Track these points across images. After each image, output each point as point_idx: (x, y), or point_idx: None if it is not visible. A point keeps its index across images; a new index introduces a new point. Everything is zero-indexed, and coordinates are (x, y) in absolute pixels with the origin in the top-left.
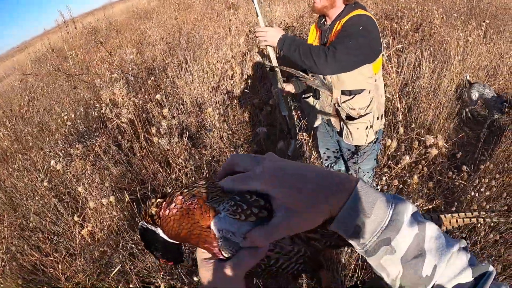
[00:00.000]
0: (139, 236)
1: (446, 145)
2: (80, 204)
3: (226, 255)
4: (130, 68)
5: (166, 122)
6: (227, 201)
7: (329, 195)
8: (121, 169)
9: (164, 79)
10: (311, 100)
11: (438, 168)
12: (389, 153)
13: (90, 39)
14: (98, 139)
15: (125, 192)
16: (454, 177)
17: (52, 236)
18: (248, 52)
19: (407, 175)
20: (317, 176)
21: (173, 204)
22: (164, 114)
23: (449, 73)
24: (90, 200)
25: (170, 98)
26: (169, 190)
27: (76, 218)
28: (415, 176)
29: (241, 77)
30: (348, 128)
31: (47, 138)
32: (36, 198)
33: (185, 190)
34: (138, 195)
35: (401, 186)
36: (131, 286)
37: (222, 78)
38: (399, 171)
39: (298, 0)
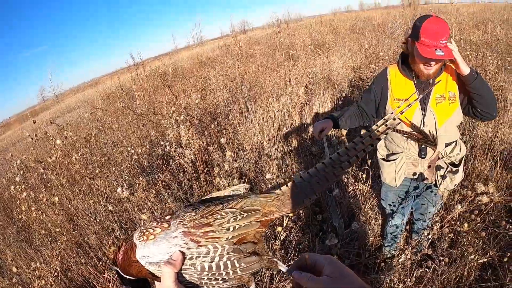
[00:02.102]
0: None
1: (499, 194)
2: None
3: (158, 276)
4: (195, 112)
5: (229, 165)
6: (137, 231)
7: None
8: (179, 206)
9: (226, 125)
10: (398, 161)
11: (492, 218)
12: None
13: (157, 82)
14: (160, 174)
15: None
16: (508, 227)
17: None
18: (307, 103)
19: (461, 225)
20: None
21: (121, 250)
22: (226, 157)
23: (507, 120)
24: None
25: (230, 143)
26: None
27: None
28: (466, 224)
29: (300, 126)
30: (452, 174)
31: (113, 168)
32: (97, 220)
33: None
34: None
35: (454, 237)
36: None
37: (282, 126)
38: (451, 222)
39: (356, 51)
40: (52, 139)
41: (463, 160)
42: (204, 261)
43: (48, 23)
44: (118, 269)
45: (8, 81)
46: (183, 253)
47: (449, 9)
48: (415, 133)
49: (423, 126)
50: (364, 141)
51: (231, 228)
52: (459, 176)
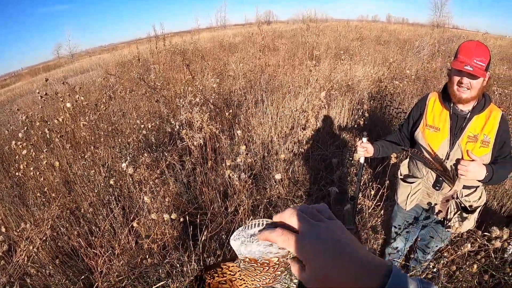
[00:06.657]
0: None
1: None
2: (136, 210)
3: None
4: (212, 96)
5: (241, 158)
6: None
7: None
8: (180, 188)
9: (240, 115)
10: (414, 185)
11: (496, 263)
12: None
13: (174, 58)
14: (166, 154)
15: (180, 212)
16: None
17: (99, 230)
18: (326, 107)
19: (470, 265)
20: (360, 257)
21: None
22: (241, 151)
23: None
24: (152, 211)
25: (243, 135)
26: (200, 274)
27: (135, 224)
28: (475, 266)
29: (314, 129)
30: (460, 218)
31: (119, 139)
32: (96, 191)
33: (216, 275)
34: (187, 218)
35: (455, 272)
36: None
37: (296, 126)
38: (456, 258)
39: (379, 63)
40: (62, 100)
41: (478, 210)
42: None
43: None
44: None
45: (24, 34)
46: None
47: (477, 38)
48: (436, 163)
49: (448, 159)
50: None
51: None
52: (468, 224)
